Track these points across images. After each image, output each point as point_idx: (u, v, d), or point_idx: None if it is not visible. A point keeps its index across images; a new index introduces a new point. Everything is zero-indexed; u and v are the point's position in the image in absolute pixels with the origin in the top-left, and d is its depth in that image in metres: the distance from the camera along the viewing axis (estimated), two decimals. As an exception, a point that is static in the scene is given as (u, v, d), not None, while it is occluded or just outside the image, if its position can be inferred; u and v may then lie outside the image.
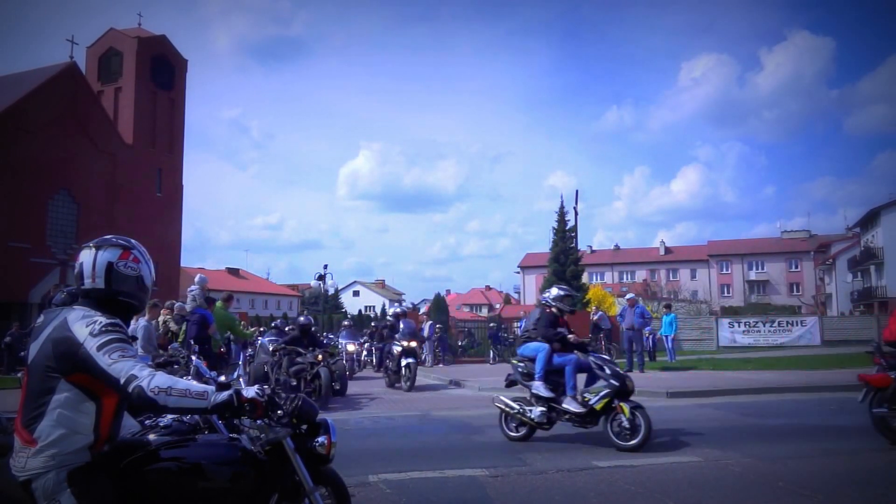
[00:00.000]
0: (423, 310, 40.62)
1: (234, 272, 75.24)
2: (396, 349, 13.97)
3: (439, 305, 30.26)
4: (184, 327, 9.55)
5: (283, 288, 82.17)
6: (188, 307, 9.62)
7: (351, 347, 18.16)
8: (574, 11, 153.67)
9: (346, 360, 16.35)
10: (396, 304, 19.63)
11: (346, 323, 23.75)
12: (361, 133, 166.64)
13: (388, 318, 17.34)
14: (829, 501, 5.04)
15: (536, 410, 7.42)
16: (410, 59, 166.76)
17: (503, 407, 7.70)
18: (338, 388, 11.22)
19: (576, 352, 7.72)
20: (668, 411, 9.86)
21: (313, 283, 42.76)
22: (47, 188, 35.62)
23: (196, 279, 10.11)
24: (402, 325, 14.44)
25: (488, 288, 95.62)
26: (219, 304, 10.60)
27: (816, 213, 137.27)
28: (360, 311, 62.64)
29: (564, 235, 30.79)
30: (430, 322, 24.36)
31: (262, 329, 21.91)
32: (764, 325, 28.67)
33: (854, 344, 26.04)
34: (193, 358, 5.32)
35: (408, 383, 13.41)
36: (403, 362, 13.57)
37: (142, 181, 41.08)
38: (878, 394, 7.04)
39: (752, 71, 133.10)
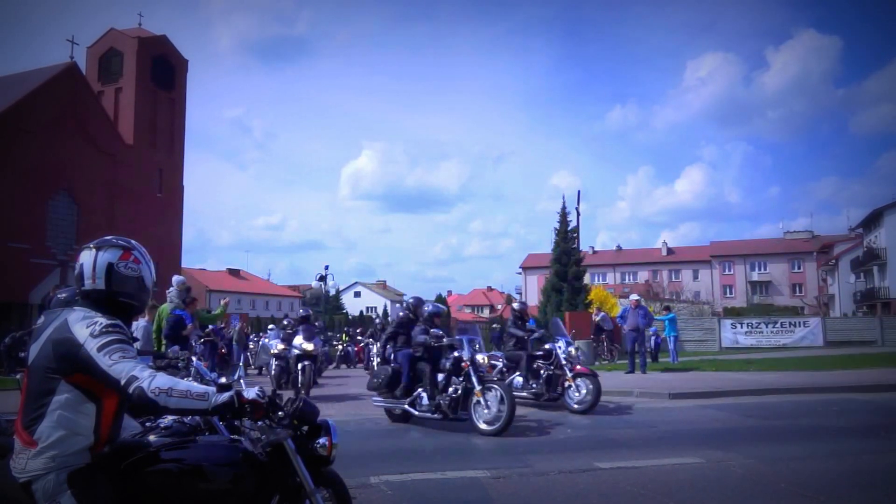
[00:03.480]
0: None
1: (234, 273, 75.32)
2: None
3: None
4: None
5: (283, 289, 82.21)
6: (168, 309, 9.54)
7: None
8: (576, 9, 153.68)
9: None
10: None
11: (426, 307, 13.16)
12: (364, 133, 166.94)
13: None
14: (831, 503, 5.02)
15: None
16: (413, 59, 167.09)
17: None
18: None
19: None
20: (670, 412, 9.85)
21: (314, 283, 42.71)
22: (47, 188, 35.65)
23: (173, 280, 10.04)
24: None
25: (490, 289, 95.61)
26: (164, 306, 9.72)
27: (820, 213, 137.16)
28: (361, 312, 62.69)
29: (566, 236, 30.72)
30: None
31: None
32: (766, 326, 28.67)
33: (857, 345, 26.09)
34: (194, 359, 5.31)
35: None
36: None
37: (142, 181, 41.12)
38: None
39: (759, 70, 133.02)
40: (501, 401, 8.08)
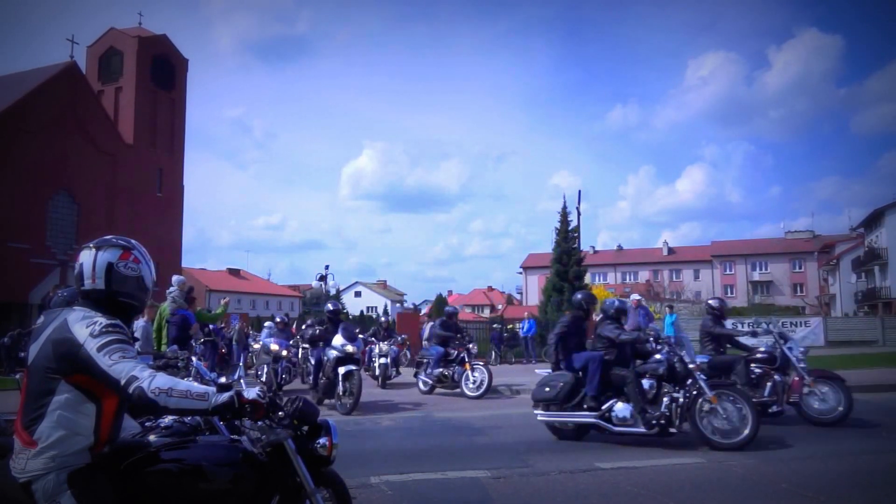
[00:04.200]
0: (424, 310, 40.55)
1: (235, 273, 75.34)
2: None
3: (441, 306, 30.27)
4: (164, 330, 9.39)
5: (283, 289, 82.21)
6: (168, 309, 9.48)
7: None
8: (576, 9, 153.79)
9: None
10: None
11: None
12: (364, 132, 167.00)
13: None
14: (832, 503, 5.02)
15: None
16: (413, 59, 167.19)
17: None
18: None
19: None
20: (670, 412, 9.81)
21: (314, 283, 42.67)
22: (47, 188, 35.65)
23: (173, 280, 9.99)
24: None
25: (490, 289, 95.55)
26: (164, 306, 9.61)
27: (821, 213, 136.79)
28: (361, 311, 62.74)
29: (567, 236, 30.71)
30: (432, 323, 24.33)
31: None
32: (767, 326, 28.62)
33: (858, 345, 26.08)
34: (194, 359, 5.30)
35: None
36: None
37: (142, 181, 41.11)
38: None
39: (760, 69, 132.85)
40: (741, 409, 6.91)
